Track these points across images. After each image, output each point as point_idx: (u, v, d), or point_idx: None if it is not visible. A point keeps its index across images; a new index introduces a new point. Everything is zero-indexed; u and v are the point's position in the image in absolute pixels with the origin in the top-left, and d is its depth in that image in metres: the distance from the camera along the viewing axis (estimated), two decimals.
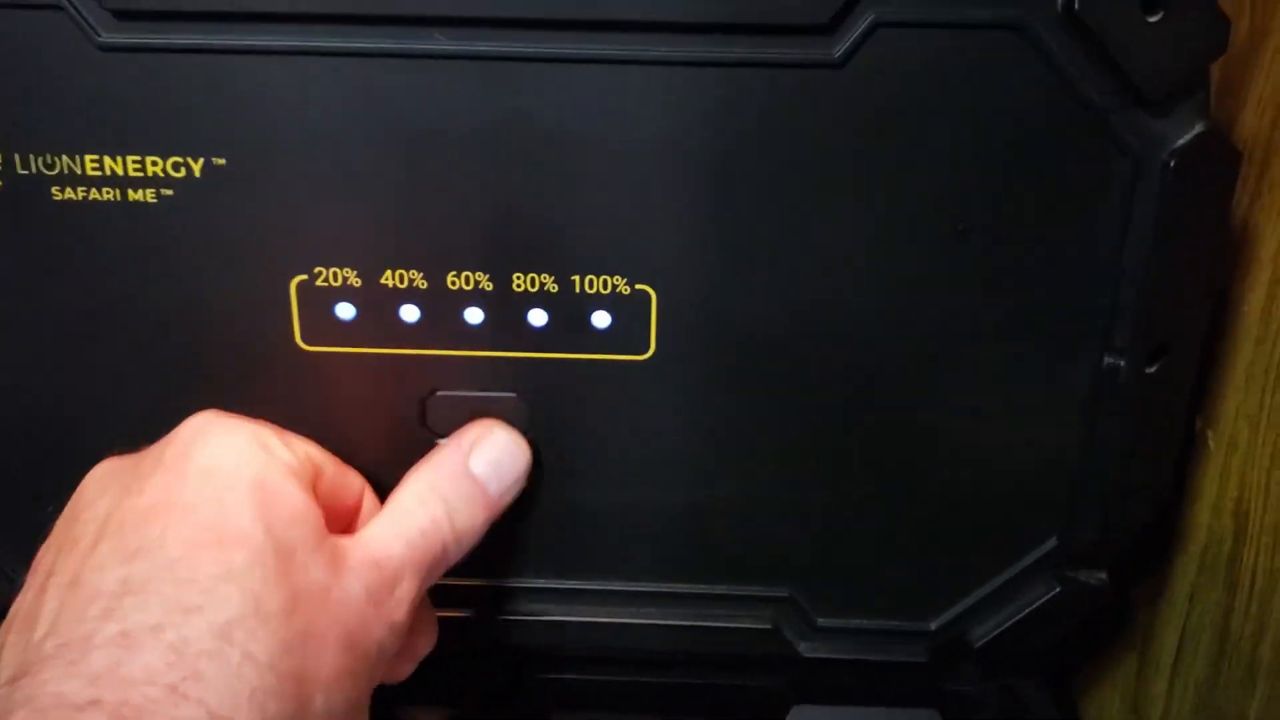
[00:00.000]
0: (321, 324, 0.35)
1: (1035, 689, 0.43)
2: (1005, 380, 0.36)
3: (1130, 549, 0.40)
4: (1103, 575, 0.39)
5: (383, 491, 0.37)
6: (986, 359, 0.36)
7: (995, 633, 0.39)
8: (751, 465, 0.37)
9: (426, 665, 0.42)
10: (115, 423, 0.36)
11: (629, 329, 0.35)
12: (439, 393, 0.36)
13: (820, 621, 0.40)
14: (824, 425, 0.37)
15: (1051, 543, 0.39)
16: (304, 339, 0.35)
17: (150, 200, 0.34)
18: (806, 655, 0.40)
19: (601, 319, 0.35)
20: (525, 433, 0.37)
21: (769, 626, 0.40)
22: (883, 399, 0.37)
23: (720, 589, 0.39)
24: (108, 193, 0.34)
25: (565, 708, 0.42)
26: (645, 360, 0.36)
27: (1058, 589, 0.39)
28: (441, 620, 0.38)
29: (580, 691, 0.42)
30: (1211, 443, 0.41)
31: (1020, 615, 0.39)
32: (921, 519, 0.38)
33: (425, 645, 0.37)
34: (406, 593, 0.32)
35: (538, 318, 0.35)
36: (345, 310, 0.35)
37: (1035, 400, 0.37)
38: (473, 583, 0.39)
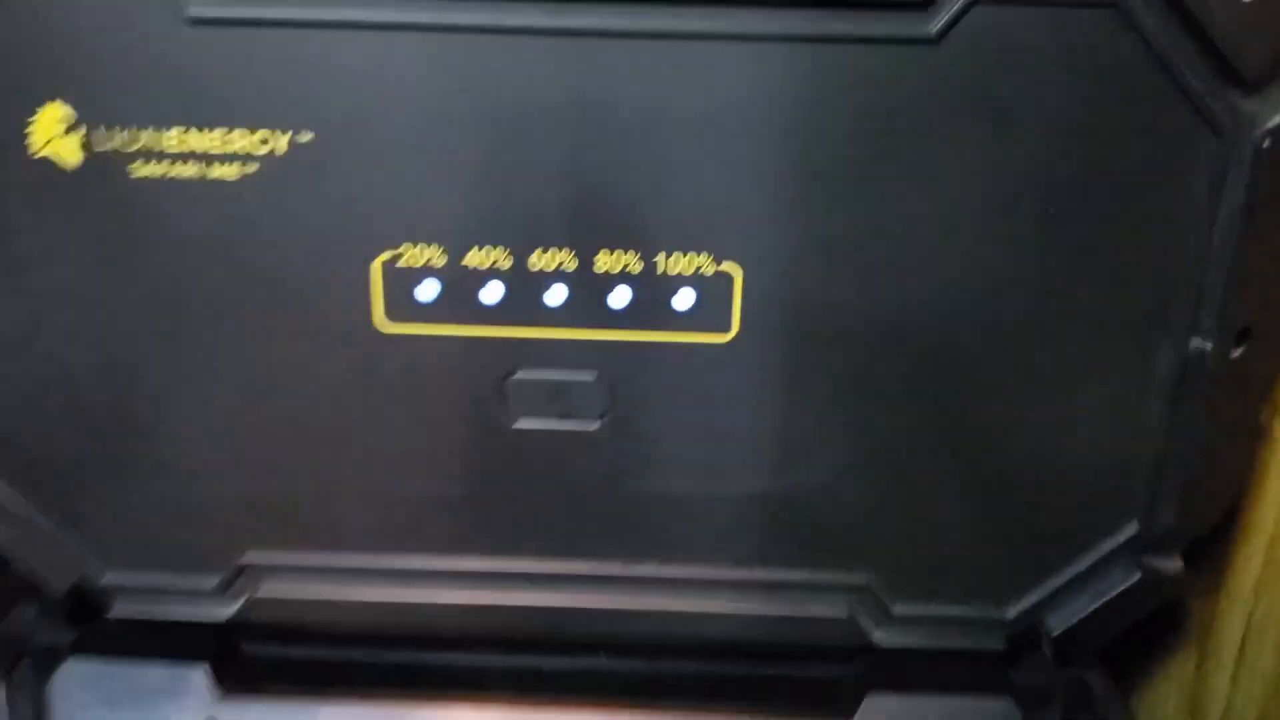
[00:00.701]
0: (403, 304, 0.36)
1: (1101, 681, 0.43)
2: (1089, 364, 0.37)
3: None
4: (1179, 562, 0.40)
5: (457, 477, 0.37)
6: (1072, 342, 0.37)
7: (1072, 621, 0.40)
8: (831, 450, 0.38)
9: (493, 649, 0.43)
10: (194, 405, 0.36)
11: (712, 310, 0.36)
12: (518, 374, 0.37)
13: (896, 609, 0.40)
14: (906, 409, 0.38)
15: (1131, 529, 0.39)
16: (384, 320, 0.36)
17: (233, 177, 0.34)
18: (882, 644, 0.40)
19: (684, 299, 0.36)
20: (603, 415, 0.37)
21: (844, 614, 0.40)
22: (966, 383, 0.37)
23: (795, 576, 0.40)
24: (189, 168, 0.34)
25: (630, 696, 0.42)
26: (727, 342, 0.36)
27: (1138, 576, 0.39)
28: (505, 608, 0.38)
29: (647, 681, 0.43)
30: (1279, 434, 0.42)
31: (1098, 603, 0.40)
32: (1001, 505, 0.39)
33: None
34: None
35: (620, 298, 0.36)
36: (427, 291, 0.35)
37: (1118, 385, 0.37)
38: (541, 568, 0.40)
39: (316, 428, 0.38)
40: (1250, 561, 0.45)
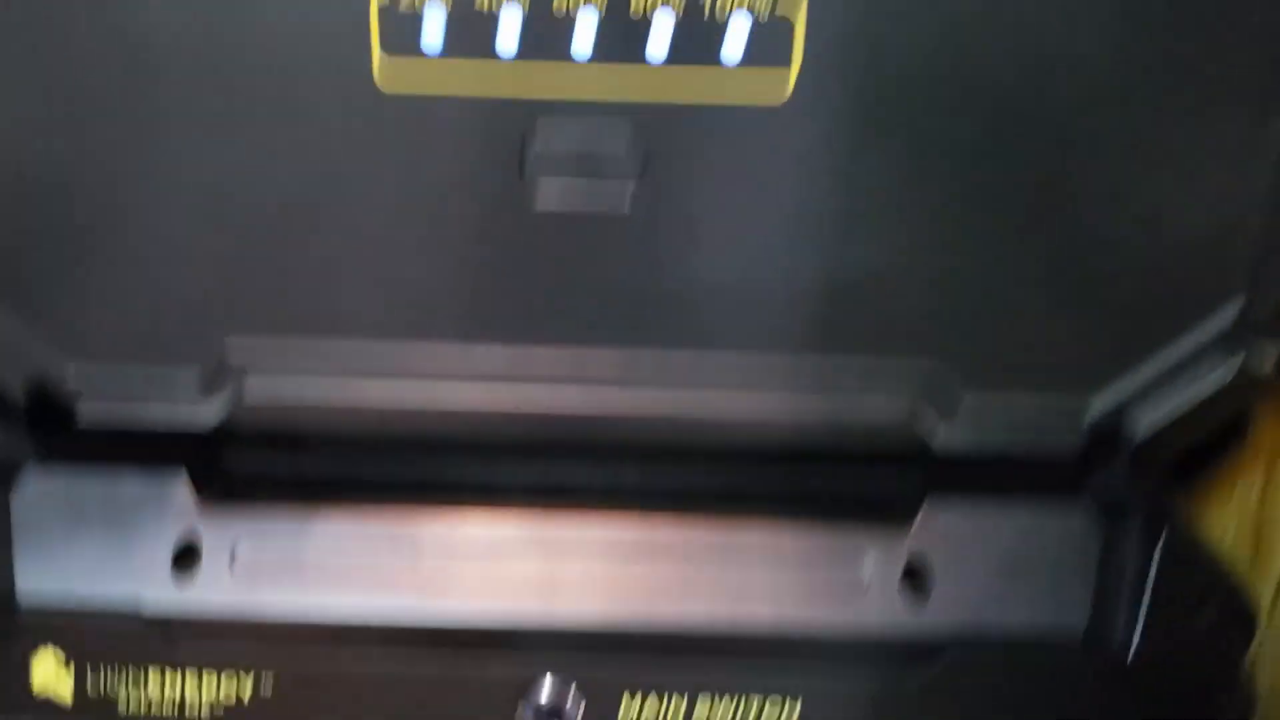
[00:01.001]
0: (404, 60, 0.30)
1: (1177, 495, 0.40)
2: (1198, 125, 0.32)
3: None
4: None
5: (470, 260, 0.32)
6: (1179, 100, 0.32)
7: (1161, 418, 0.36)
8: (898, 224, 0.33)
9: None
10: (168, 172, 0.32)
11: (765, 64, 0.31)
12: (539, 143, 0.31)
13: (965, 402, 0.36)
14: (986, 176, 0.33)
15: (1232, 311, 0.35)
16: (383, 80, 0.30)
17: None
18: (946, 443, 0.36)
19: (733, 51, 0.30)
20: (636, 191, 0.32)
21: (905, 407, 0.36)
22: (1057, 144, 0.32)
23: (852, 363, 0.36)
24: None
25: (662, 505, 0.38)
26: (782, 105, 0.31)
27: (1240, 364, 0.35)
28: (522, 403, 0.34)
29: (680, 489, 0.39)
30: None
31: (1192, 397, 0.36)
32: (1088, 285, 0.35)
33: None
34: None
35: (657, 49, 0.30)
36: (432, 39, 0.30)
37: (1229, 148, 0.32)
38: (563, 358, 0.35)
39: (308, 203, 0.33)
40: None
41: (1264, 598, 0.45)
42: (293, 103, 0.31)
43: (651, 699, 0.38)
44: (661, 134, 0.32)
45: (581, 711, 0.38)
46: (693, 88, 0.31)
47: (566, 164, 0.32)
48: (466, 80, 0.31)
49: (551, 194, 0.32)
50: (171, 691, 0.37)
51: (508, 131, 0.32)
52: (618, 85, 0.31)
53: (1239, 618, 0.39)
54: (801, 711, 0.38)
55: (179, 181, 0.33)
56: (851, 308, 0.35)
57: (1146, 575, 0.37)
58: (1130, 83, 0.32)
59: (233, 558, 0.37)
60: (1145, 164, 0.33)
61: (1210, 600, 0.38)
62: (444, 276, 0.35)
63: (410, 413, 0.37)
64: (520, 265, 0.34)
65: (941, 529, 0.37)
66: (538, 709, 0.38)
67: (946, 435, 0.37)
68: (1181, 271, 0.35)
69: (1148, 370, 0.36)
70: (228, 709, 0.38)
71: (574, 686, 0.38)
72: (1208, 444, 0.41)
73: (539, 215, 0.33)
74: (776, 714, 0.38)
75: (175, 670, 0.37)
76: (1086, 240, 0.34)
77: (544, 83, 0.31)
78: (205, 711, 0.38)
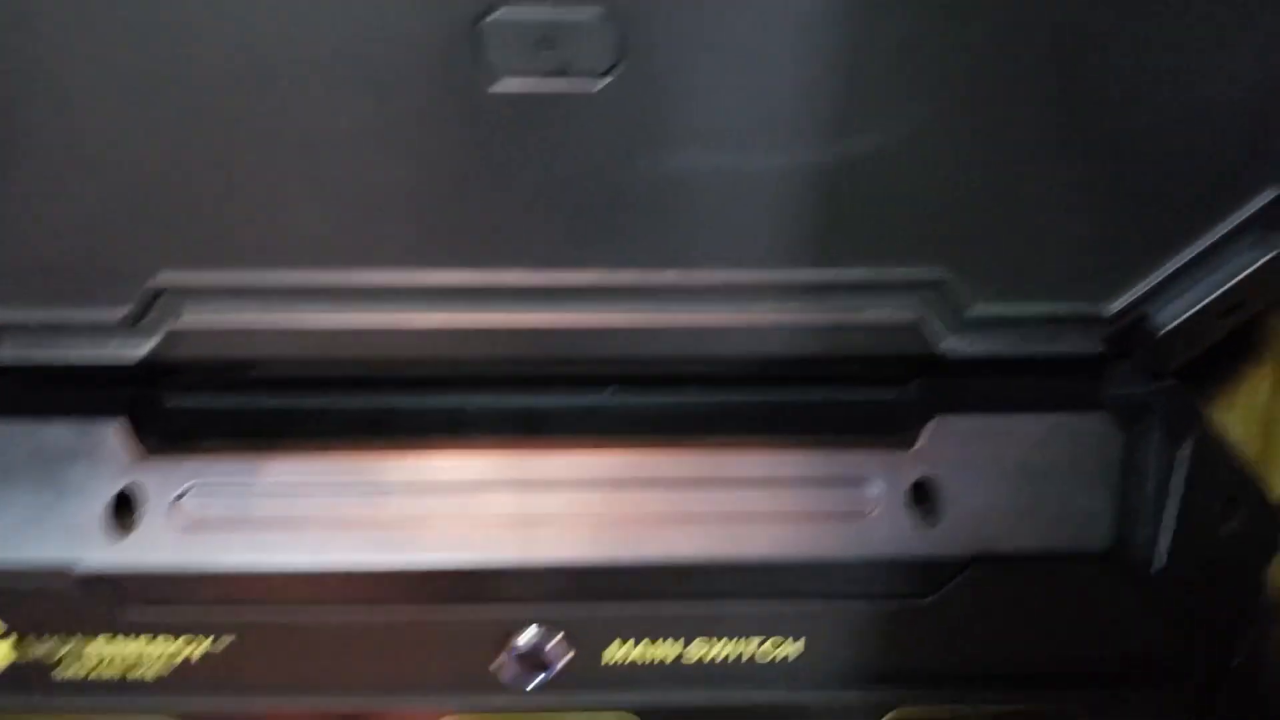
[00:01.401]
0: None
1: (1191, 396, 0.37)
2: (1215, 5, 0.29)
3: None
4: None
5: (420, 162, 0.29)
6: None
7: (1184, 315, 0.33)
8: (899, 108, 0.30)
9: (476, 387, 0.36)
10: (80, 77, 0.28)
11: None
12: (496, 12, 0.28)
13: (974, 309, 0.33)
14: (995, 52, 0.29)
15: (1259, 201, 0.32)
16: None
17: None
18: (954, 353, 0.33)
19: None
20: (609, 69, 0.29)
21: (912, 317, 0.33)
22: (1066, 15, 0.29)
23: (851, 274, 0.33)
24: None
25: (648, 432, 0.35)
26: None
27: (1272, 254, 0.32)
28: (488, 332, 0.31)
29: (667, 416, 0.36)
30: None
31: (1218, 291, 0.33)
32: (1108, 175, 0.32)
33: None
34: None
35: None
36: None
37: (1251, 28, 0.29)
38: (544, 278, 0.32)
39: (234, 103, 0.29)
40: None
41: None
42: None
43: (644, 644, 0.36)
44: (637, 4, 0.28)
45: (568, 658, 0.35)
46: None
47: (529, 45, 0.28)
48: None
49: (511, 81, 0.29)
50: (115, 654, 0.34)
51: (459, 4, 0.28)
52: None
53: (1264, 526, 0.36)
54: (804, 648, 0.36)
55: (91, 99, 0.29)
56: (851, 213, 0.32)
57: (1170, 484, 0.35)
58: None
59: (177, 508, 0.34)
60: (1167, 49, 0.30)
61: (1236, 508, 0.35)
62: (392, 186, 0.31)
63: (365, 343, 0.33)
64: (478, 169, 0.31)
65: (950, 445, 0.34)
66: (520, 657, 0.35)
67: (954, 346, 0.34)
68: (1207, 161, 0.32)
69: (1169, 267, 0.33)
70: (178, 670, 0.35)
71: (560, 635, 0.35)
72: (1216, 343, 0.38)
73: (497, 104, 0.29)
74: (777, 654, 0.36)
75: (118, 633, 0.34)
76: (1105, 133, 0.31)
77: None
78: (154, 673, 0.35)
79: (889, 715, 0.37)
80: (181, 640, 0.35)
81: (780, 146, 0.30)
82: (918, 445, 0.34)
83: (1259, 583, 0.37)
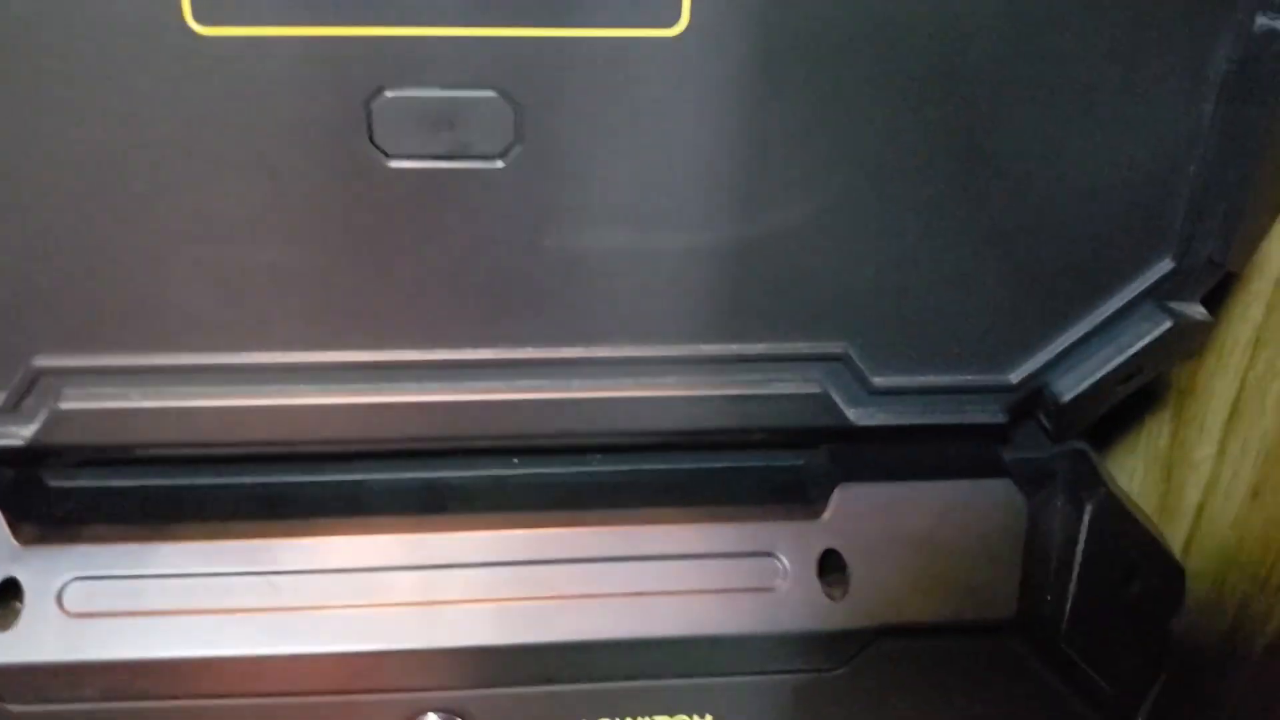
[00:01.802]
0: None
1: (1093, 456, 0.37)
2: (1129, 59, 0.30)
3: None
4: (1204, 311, 0.33)
5: (313, 241, 0.28)
6: (1109, 28, 0.29)
7: (1085, 383, 0.33)
8: (802, 185, 0.30)
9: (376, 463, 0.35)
10: None
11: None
12: (388, 91, 0.27)
13: (877, 381, 0.33)
14: (896, 128, 0.30)
15: (1157, 271, 0.33)
16: (198, 18, 0.26)
17: None
18: (860, 423, 0.33)
19: None
20: (509, 147, 0.28)
21: (815, 390, 0.33)
22: (972, 87, 0.29)
23: (757, 348, 0.32)
24: None
25: (555, 507, 0.34)
26: (675, 37, 0.27)
27: (1167, 324, 0.33)
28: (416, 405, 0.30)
29: (574, 488, 0.35)
30: None
31: (1117, 360, 0.33)
32: (1008, 247, 0.32)
33: None
34: None
35: None
36: None
37: (1162, 81, 0.30)
38: (446, 356, 0.31)
39: (115, 181, 0.28)
40: (1248, 311, 0.39)
41: (1176, 539, 0.44)
42: (90, 54, 0.26)
43: None
44: (537, 81, 0.28)
45: None
46: (572, 19, 0.27)
47: (423, 127, 0.28)
48: (297, 10, 0.26)
49: (407, 162, 0.28)
50: None
51: (352, 83, 0.27)
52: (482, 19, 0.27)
53: (1168, 583, 0.37)
54: None
55: None
56: (753, 289, 0.32)
57: (1075, 547, 0.35)
58: (1051, 35, 0.29)
59: (60, 600, 0.32)
60: (1068, 122, 0.30)
61: (1140, 569, 0.36)
62: (284, 267, 0.30)
63: (257, 423, 0.32)
64: (374, 247, 0.30)
65: (857, 515, 0.34)
66: None
67: (860, 417, 0.34)
68: (1106, 234, 0.32)
69: (1068, 338, 0.34)
70: None
71: None
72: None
73: (394, 183, 0.29)
74: None
75: None
76: (1002, 209, 0.32)
77: (394, 14, 0.27)
78: None
79: None
80: None
81: (682, 225, 0.30)
82: (825, 515, 0.34)
83: (1165, 640, 0.38)
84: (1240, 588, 0.42)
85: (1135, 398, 0.46)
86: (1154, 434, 0.46)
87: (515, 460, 0.36)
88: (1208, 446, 0.43)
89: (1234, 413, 0.41)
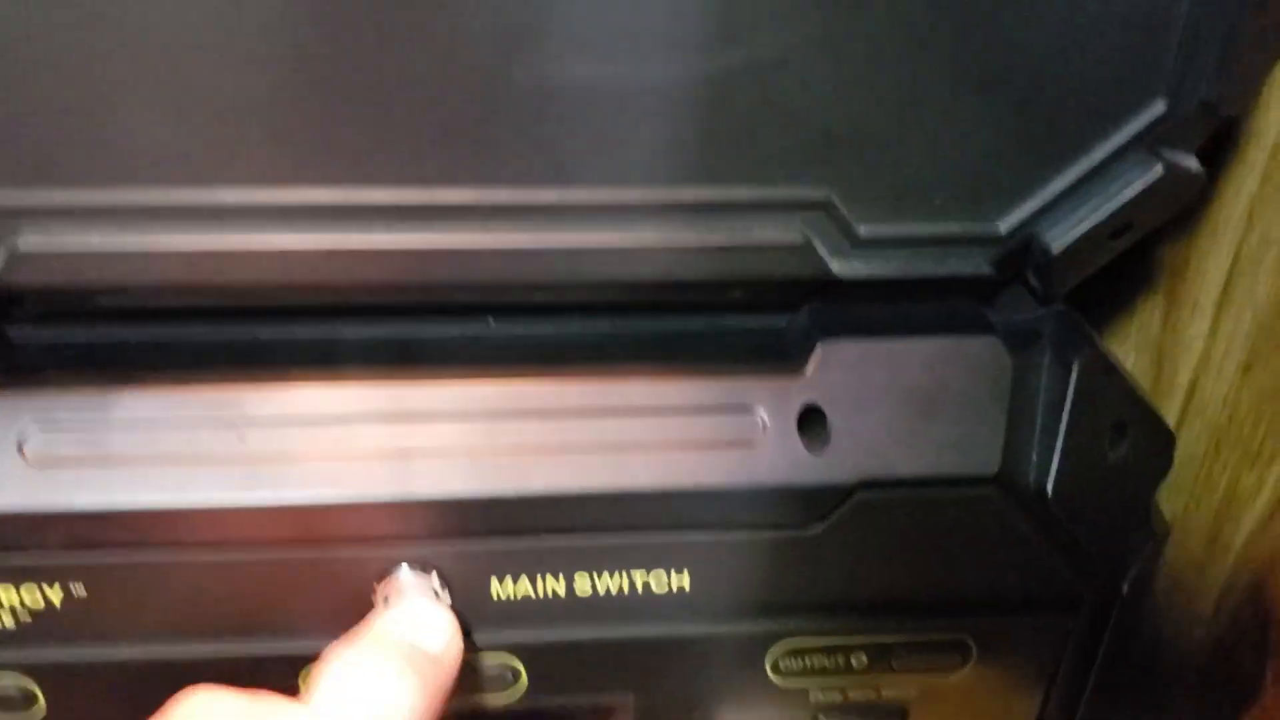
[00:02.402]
0: None
1: (1080, 320, 0.37)
2: None
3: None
4: (1196, 163, 0.33)
5: (277, 67, 0.27)
6: None
7: (1075, 234, 0.33)
8: (783, 16, 0.29)
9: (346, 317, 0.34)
10: None
11: None
12: None
13: (862, 230, 0.32)
14: None
15: (1151, 114, 0.32)
16: None
17: None
18: (843, 275, 0.33)
19: None
20: None
21: (798, 240, 0.32)
22: None
23: (738, 195, 0.32)
24: None
25: (528, 362, 0.34)
26: None
27: (1159, 172, 0.32)
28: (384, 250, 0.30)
29: (547, 345, 0.35)
30: None
31: (1106, 210, 0.33)
32: (998, 89, 0.31)
33: None
34: None
35: None
36: None
37: None
38: (416, 197, 0.31)
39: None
40: (1244, 183, 0.39)
41: (1167, 421, 0.44)
42: None
43: (524, 581, 0.35)
44: None
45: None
46: None
47: None
48: None
49: None
50: None
51: None
52: None
53: (1155, 449, 0.37)
54: (691, 580, 0.35)
55: None
56: (734, 129, 0.31)
57: (1061, 407, 0.35)
58: None
59: (20, 449, 0.32)
60: None
61: (1127, 431, 0.36)
62: (247, 93, 0.29)
63: (221, 267, 0.31)
64: (342, 74, 0.29)
65: (839, 371, 0.34)
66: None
67: (844, 268, 0.33)
68: (1097, 76, 0.32)
69: (1058, 186, 0.33)
70: (27, 621, 0.33)
71: (435, 574, 0.34)
72: (1109, 276, 0.38)
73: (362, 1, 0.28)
74: (663, 587, 0.35)
75: None
76: (990, 48, 0.31)
77: None
78: (8, 620, 0.33)
79: (778, 645, 0.37)
80: (29, 588, 0.33)
81: (660, 56, 0.29)
82: (806, 372, 0.34)
83: (1148, 508, 0.38)
84: (1231, 463, 0.42)
85: (1125, 283, 0.45)
86: (1145, 319, 0.46)
87: (491, 321, 0.36)
88: (1200, 324, 0.42)
89: (1227, 288, 0.41)
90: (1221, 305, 0.41)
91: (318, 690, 0.29)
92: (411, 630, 0.31)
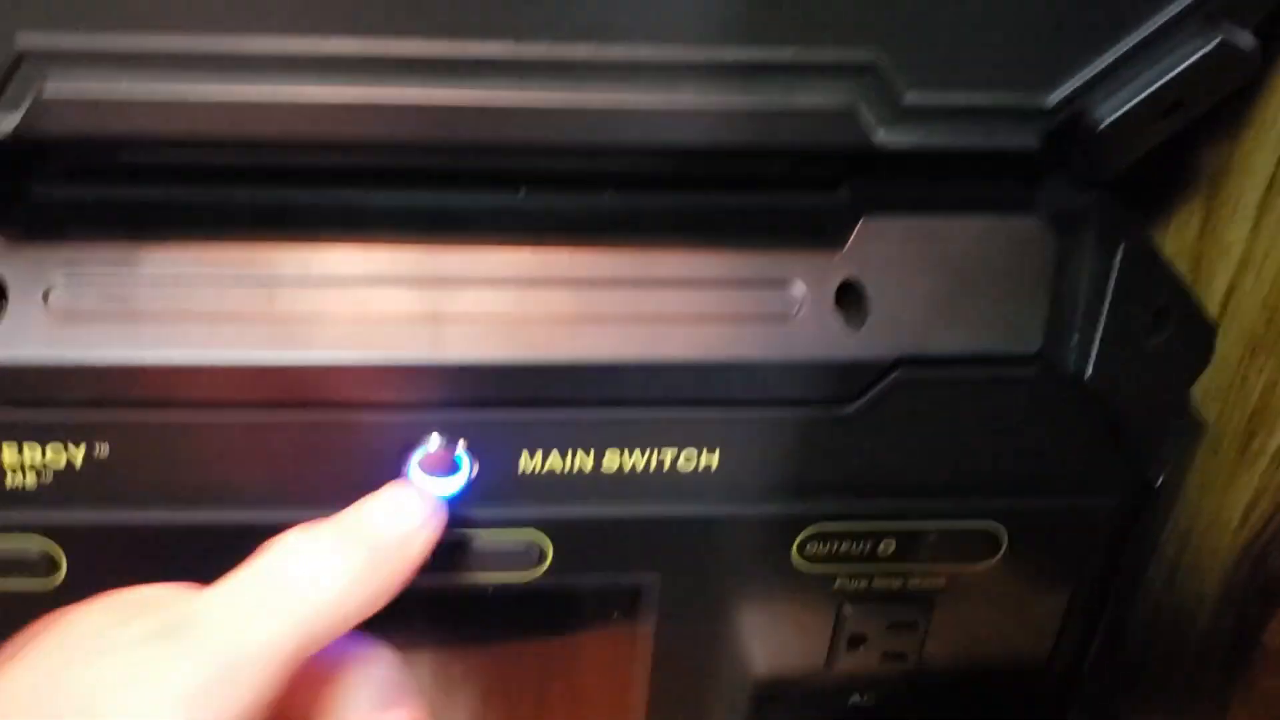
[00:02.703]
0: None
1: (1124, 207, 0.36)
2: None
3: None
4: (1253, 39, 0.32)
5: None
6: None
7: (1124, 107, 0.32)
8: None
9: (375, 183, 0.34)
10: None
11: None
12: None
13: (908, 97, 0.32)
14: None
15: None
16: None
17: None
18: (887, 145, 0.32)
19: None
20: None
21: (842, 104, 0.31)
22: None
23: (780, 55, 0.31)
24: None
25: (559, 233, 0.33)
26: None
27: (1215, 45, 0.31)
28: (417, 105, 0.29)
29: (580, 216, 0.34)
30: None
31: (1158, 83, 0.32)
32: None
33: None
34: None
35: None
36: None
37: None
38: (450, 49, 0.30)
39: None
40: None
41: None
42: None
43: (554, 455, 0.34)
44: None
45: (473, 470, 0.34)
46: None
47: None
48: None
49: None
50: None
51: None
52: None
53: (1195, 339, 0.36)
54: (721, 459, 0.35)
55: None
56: None
57: (1104, 291, 0.34)
58: None
59: (45, 300, 0.31)
60: None
61: (1168, 320, 0.35)
62: None
63: (249, 118, 0.31)
64: None
65: (879, 247, 0.33)
66: (422, 468, 0.33)
67: (888, 138, 0.32)
68: None
69: (1109, 57, 0.32)
70: (50, 482, 0.33)
71: (463, 443, 0.33)
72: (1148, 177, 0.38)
73: None
74: (692, 465, 0.35)
75: None
76: None
77: None
78: (23, 486, 0.33)
79: (806, 530, 0.37)
80: (53, 447, 0.33)
81: None
82: (846, 247, 0.33)
83: (1185, 400, 0.37)
84: (1267, 369, 0.41)
85: (1161, 190, 0.45)
86: (1182, 224, 0.45)
87: (522, 191, 0.35)
88: (1241, 227, 0.42)
89: (1271, 186, 0.40)
90: (1264, 206, 0.40)
91: (245, 564, 0.29)
92: (381, 514, 0.31)
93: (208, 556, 0.35)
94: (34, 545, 0.34)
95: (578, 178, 0.35)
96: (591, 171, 0.35)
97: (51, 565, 0.35)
